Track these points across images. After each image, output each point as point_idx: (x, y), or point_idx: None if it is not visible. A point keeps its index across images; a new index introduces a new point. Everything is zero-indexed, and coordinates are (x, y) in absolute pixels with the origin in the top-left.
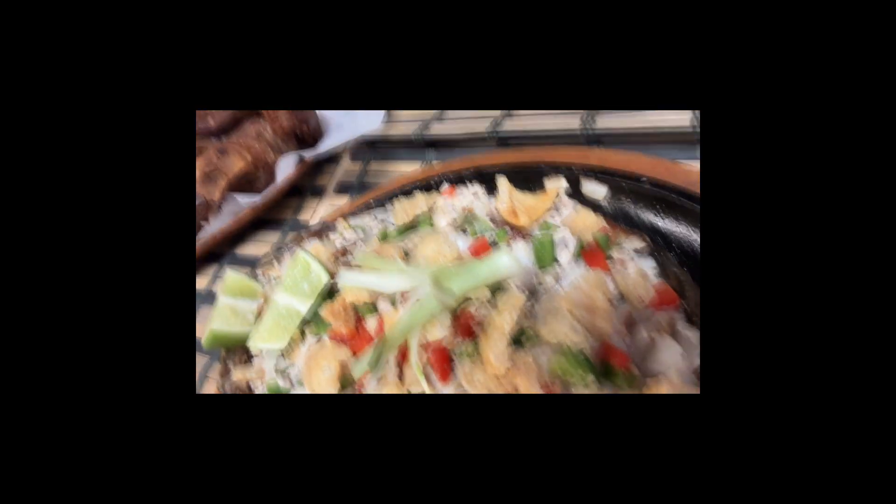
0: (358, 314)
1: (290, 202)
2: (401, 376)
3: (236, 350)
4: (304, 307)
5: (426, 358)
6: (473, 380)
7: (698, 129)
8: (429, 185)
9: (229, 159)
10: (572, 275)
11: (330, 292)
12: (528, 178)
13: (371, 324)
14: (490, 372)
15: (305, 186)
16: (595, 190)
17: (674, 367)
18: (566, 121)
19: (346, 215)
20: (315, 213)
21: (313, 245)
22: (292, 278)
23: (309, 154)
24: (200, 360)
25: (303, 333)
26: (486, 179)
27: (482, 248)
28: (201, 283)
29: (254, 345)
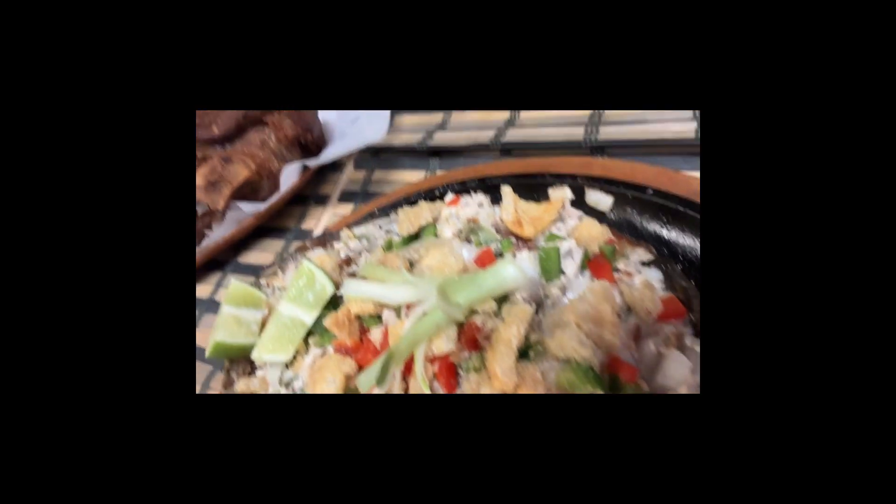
0: (362, 325)
1: (294, 210)
2: (406, 390)
3: (240, 361)
4: (308, 318)
5: (432, 371)
6: (480, 393)
7: None
8: (433, 195)
9: (233, 168)
10: (579, 286)
11: (334, 302)
12: (531, 188)
13: (376, 335)
14: (497, 386)
15: (309, 195)
16: (600, 200)
17: (683, 381)
18: (570, 130)
19: (349, 224)
20: (319, 221)
21: (318, 255)
22: (297, 289)
23: (313, 162)
24: (204, 370)
25: (307, 344)
26: (491, 189)
27: (487, 259)
28: (204, 290)
29: (258, 356)
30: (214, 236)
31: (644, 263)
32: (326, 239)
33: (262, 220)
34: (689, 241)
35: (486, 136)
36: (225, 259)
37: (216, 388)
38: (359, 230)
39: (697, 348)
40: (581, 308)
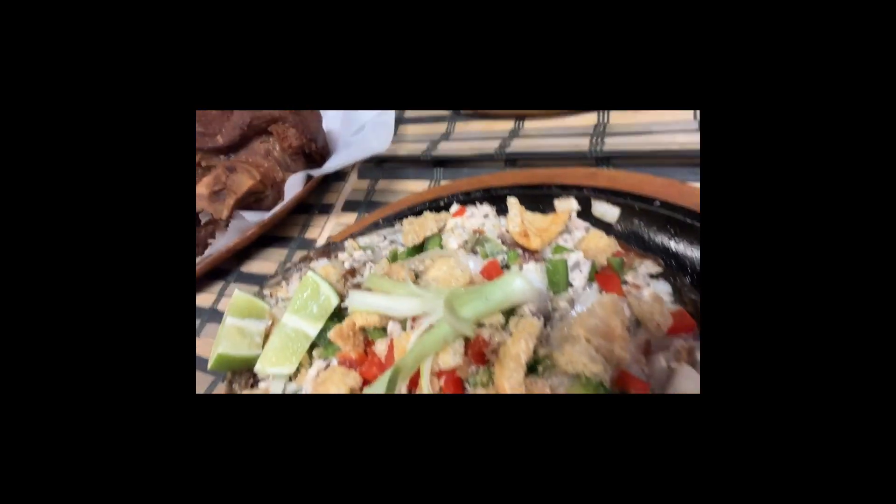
0: (367, 337)
1: (297, 219)
2: None
3: (242, 372)
4: (312, 330)
5: (439, 386)
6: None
7: None
8: (438, 206)
9: (238, 177)
10: (587, 299)
11: (338, 314)
12: (537, 199)
13: (381, 347)
14: None
15: (312, 203)
16: (606, 211)
17: None
18: (575, 141)
19: (354, 234)
20: (322, 230)
21: (322, 265)
22: (301, 300)
23: (317, 172)
24: (205, 381)
25: (310, 356)
26: (496, 200)
27: (494, 271)
28: (206, 300)
29: (261, 369)
30: (217, 245)
31: (652, 276)
32: (330, 249)
33: (265, 228)
34: (697, 254)
35: (490, 146)
36: (227, 268)
37: None
38: (363, 240)
39: None
40: (590, 322)
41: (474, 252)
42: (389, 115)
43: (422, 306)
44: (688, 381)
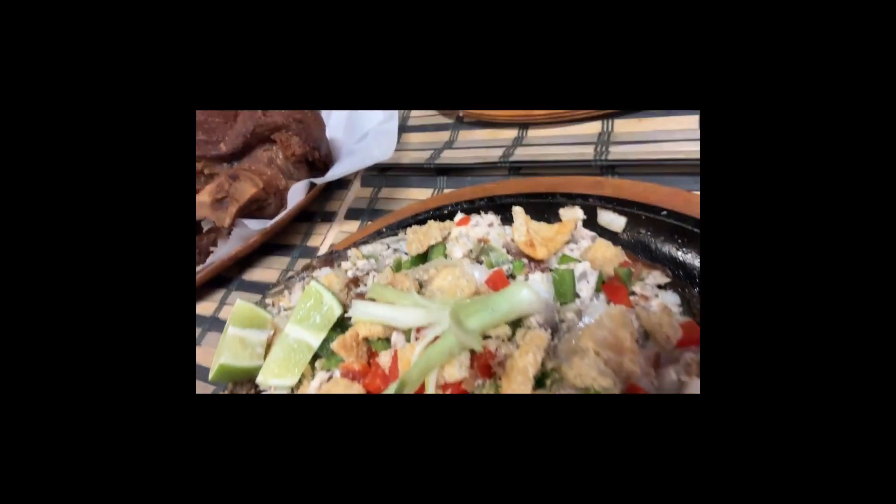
0: (370, 348)
1: (300, 227)
2: None
3: (244, 383)
4: (315, 341)
5: None
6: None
7: None
8: (442, 214)
9: (241, 185)
10: (594, 310)
11: (341, 324)
12: (542, 208)
13: (384, 359)
14: None
15: (315, 211)
16: (612, 221)
17: None
18: (579, 149)
19: (357, 242)
20: (325, 238)
21: (325, 274)
22: (304, 310)
23: (320, 180)
24: (207, 391)
25: (313, 367)
26: (500, 209)
27: (499, 281)
28: (208, 308)
29: (263, 381)
30: (219, 253)
31: (660, 287)
32: (333, 258)
33: (267, 236)
34: None
35: (494, 154)
36: (229, 276)
37: None
38: (366, 249)
39: None
40: (599, 334)
41: (479, 261)
42: (393, 124)
43: (426, 317)
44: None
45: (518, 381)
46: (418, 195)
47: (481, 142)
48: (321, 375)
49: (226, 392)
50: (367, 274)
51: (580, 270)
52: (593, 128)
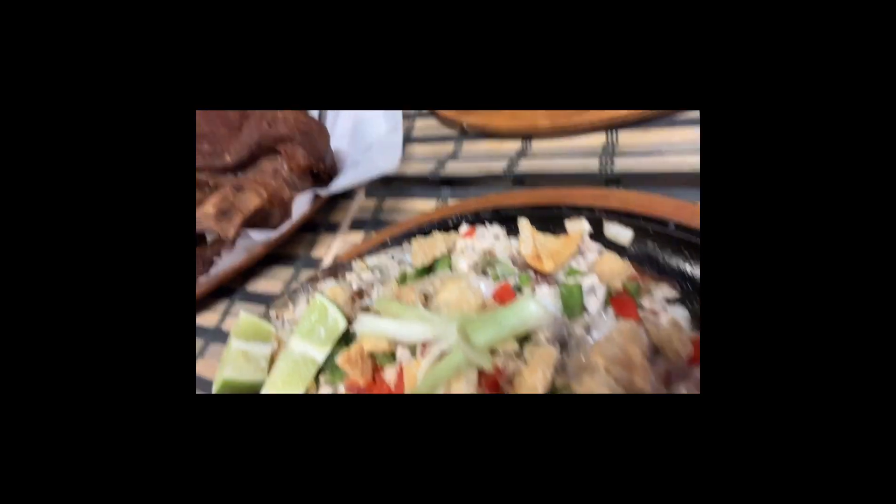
0: (376, 363)
1: (304, 238)
2: None
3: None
4: (320, 355)
5: None
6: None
7: None
8: (446, 225)
9: (245, 196)
10: (603, 325)
11: (346, 338)
12: (547, 220)
13: (390, 374)
14: None
15: (319, 222)
16: (619, 233)
17: None
18: (584, 161)
19: (361, 254)
20: (329, 249)
21: (330, 287)
22: (309, 323)
23: (324, 191)
24: None
25: (317, 382)
26: (506, 220)
27: (506, 294)
28: (211, 319)
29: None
30: (223, 264)
31: (669, 301)
32: (338, 269)
33: (272, 248)
34: None
35: (498, 166)
36: (232, 287)
37: None
38: (371, 260)
39: None
40: (609, 350)
41: (485, 274)
42: (397, 135)
43: (432, 332)
44: None
45: None
46: (423, 206)
47: (485, 153)
48: (326, 390)
49: None
50: (373, 286)
51: (588, 284)
52: (598, 139)
